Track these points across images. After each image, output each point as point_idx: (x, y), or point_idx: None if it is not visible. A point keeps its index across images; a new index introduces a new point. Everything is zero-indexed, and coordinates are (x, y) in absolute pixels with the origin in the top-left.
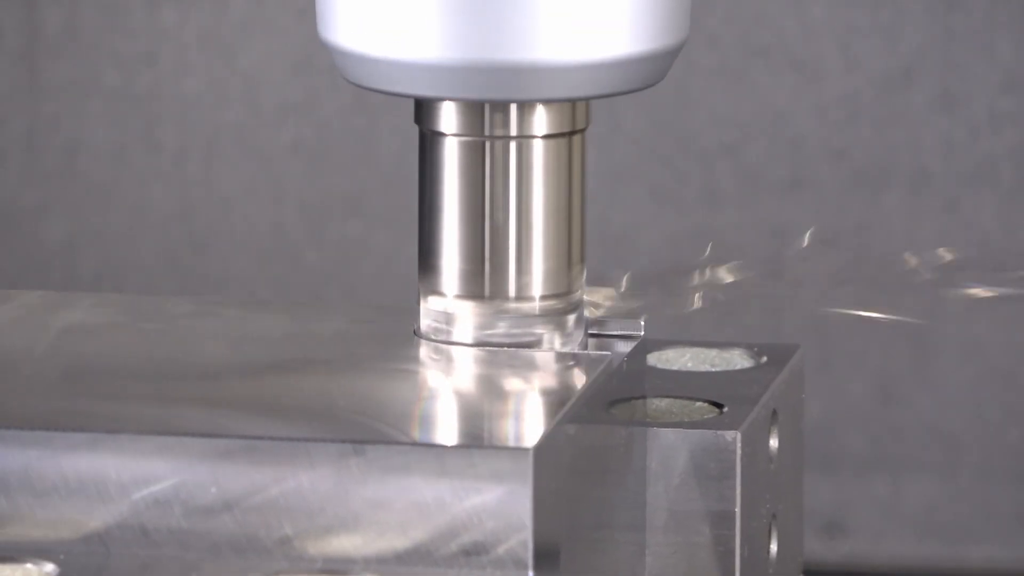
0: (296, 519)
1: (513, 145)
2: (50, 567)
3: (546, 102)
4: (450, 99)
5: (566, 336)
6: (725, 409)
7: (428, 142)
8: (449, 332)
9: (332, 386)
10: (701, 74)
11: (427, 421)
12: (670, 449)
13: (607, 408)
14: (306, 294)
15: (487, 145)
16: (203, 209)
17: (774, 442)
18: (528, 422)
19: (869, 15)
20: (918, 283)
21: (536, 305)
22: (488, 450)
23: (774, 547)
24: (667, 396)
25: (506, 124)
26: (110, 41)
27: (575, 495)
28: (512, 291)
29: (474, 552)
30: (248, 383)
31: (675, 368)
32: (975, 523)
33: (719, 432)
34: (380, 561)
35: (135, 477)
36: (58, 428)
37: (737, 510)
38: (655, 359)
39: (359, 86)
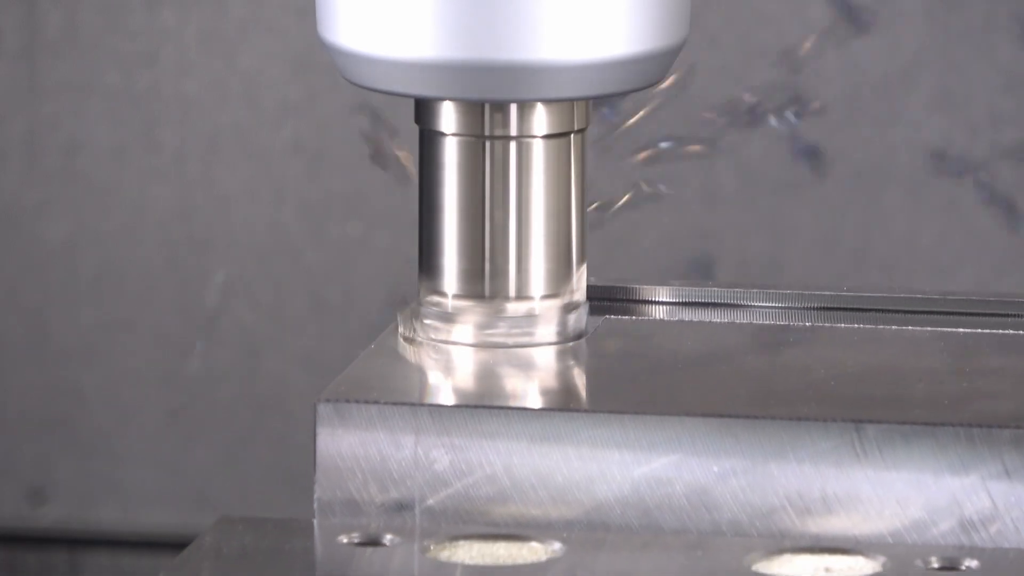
0: (794, 497)
1: (513, 145)
2: (556, 545)
3: (546, 102)
4: (450, 99)
5: (566, 336)
6: None
7: (428, 142)
8: (449, 332)
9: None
10: (701, 74)
11: (918, 401)
12: None
13: None
14: (306, 294)
15: (487, 145)
16: (203, 209)
17: None
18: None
19: (869, 15)
20: None
21: (536, 305)
22: (990, 428)
23: None
24: None
25: (506, 124)
26: (110, 41)
27: None
28: (512, 291)
29: (971, 529)
30: (755, 361)
31: None
32: None
33: None
34: (877, 536)
35: (636, 455)
36: (560, 408)
37: None
38: None
39: (359, 86)
